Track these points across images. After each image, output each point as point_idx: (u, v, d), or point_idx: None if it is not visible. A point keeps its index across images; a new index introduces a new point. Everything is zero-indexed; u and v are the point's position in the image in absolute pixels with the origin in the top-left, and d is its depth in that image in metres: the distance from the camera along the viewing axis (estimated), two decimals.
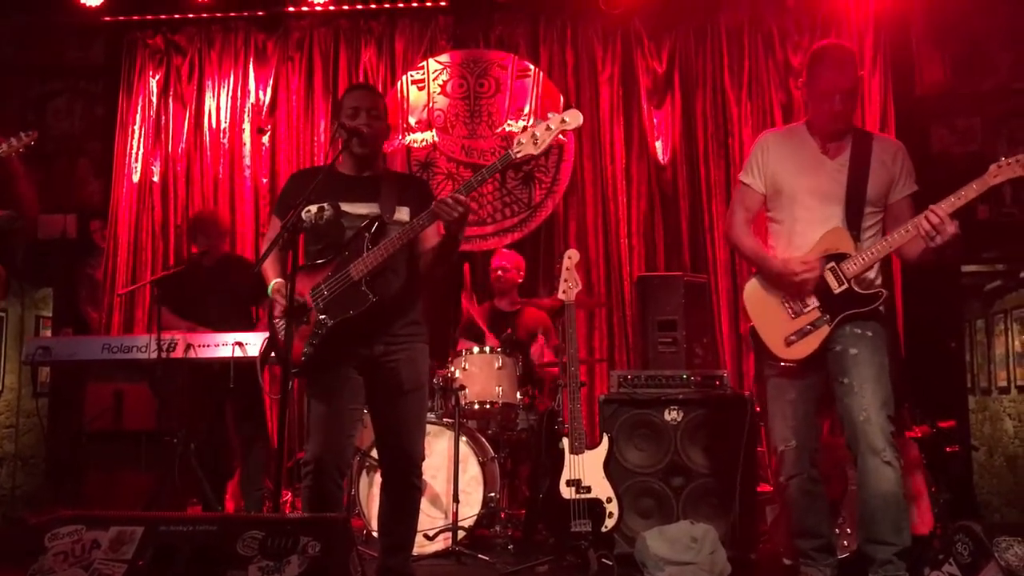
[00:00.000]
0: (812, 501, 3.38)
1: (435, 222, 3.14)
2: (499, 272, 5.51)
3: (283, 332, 3.06)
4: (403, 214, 3.25)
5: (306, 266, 3.26)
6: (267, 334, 3.27)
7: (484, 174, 3.12)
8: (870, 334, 3.26)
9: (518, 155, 3.06)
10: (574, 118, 3.06)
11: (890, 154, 3.38)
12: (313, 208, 3.23)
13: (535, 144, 3.04)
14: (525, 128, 3.07)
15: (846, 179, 3.32)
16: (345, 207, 3.26)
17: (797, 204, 3.36)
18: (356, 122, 3.25)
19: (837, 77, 3.30)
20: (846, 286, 3.24)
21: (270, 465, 5.10)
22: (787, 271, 3.28)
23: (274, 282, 3.24)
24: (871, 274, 3.31)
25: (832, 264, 3.26)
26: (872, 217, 3.34)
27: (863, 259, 3.23)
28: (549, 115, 3.09)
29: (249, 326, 5.01)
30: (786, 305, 3.33)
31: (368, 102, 3.31)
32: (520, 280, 5.60)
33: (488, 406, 4.74)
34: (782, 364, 3.33)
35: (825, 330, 3.25)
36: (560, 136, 3.12)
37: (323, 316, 3.16)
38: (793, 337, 3.29)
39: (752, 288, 3.45)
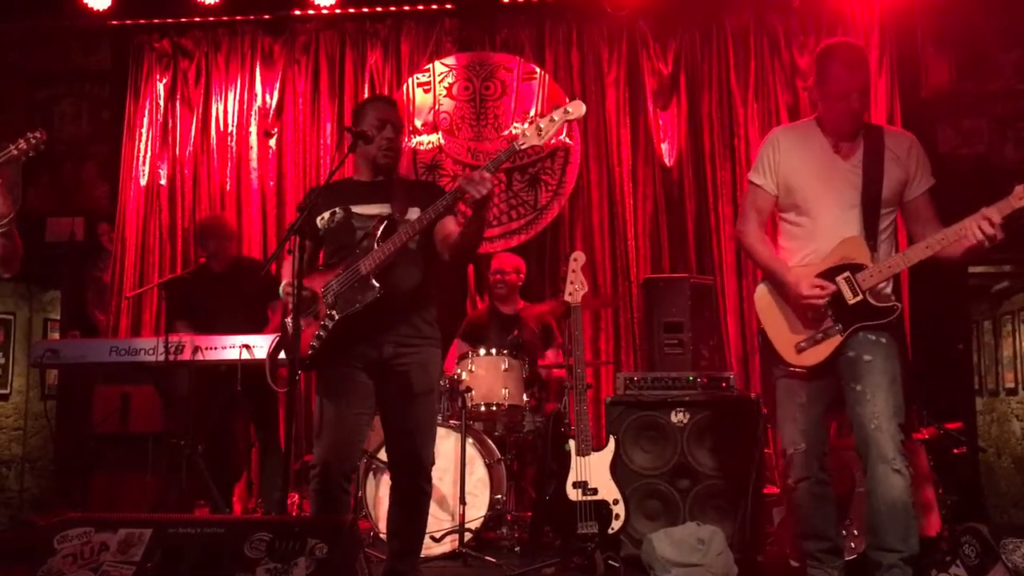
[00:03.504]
0: (820, 504, 3.36)
1: (448, 216, 3.19)
2: (497, 275, 5.50)
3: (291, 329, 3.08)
4: (414, 215, 3.27)
5: (320, 267, 3.32)
6: (277, 335, 3.30)
7: (490, 167, 3.14)
8: (884, 341, 3.21)
9: (522, 146, 3.09)
10: (577, 109, 3.10)
11: (904, 150, 3.31)
12: (326, 214, 3.31)
13: (539, 135, 3.08)
14: (531, 122, 3.10)
15: (861, 181, 3.26)
16: (356, 209, 3.30)
17: (811, 207, 3.31)
18: (383, 134, 3.33)
19: (851, 76, 3.24)
20: (861, 297, 3.19)
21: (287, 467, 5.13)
22: (796, 292, 3.24)
23: (284, 283, 3.28)
24: (885, 286, 3.27)
25: (847, 274, 3.20)
26: (887, 218, 3.30)
27: (879, 271, 3.18)
28: (553, 108, 3.14)
29: (260, 328, 5.02)
30: (798, 312, 3.31)
31: (395, 116, 3.42)
32: (520, 282, 5.57)
33: (494, 408, 4.74)
34: (791, 369, 3.31)
35: (836, 340, 3.21)
36: (566, 139, 3.12)
37: (332, 310, 3.20)
38: (803, 344, 3.26)
39: (763, 292, 3.41)
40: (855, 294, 3.19)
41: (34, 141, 3.51)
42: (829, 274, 3.23)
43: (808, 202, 3.32)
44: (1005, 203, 3.04)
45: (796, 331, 3.29)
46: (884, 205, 3.27)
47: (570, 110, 3.09)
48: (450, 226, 3.28)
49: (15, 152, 3.51)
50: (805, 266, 3.30)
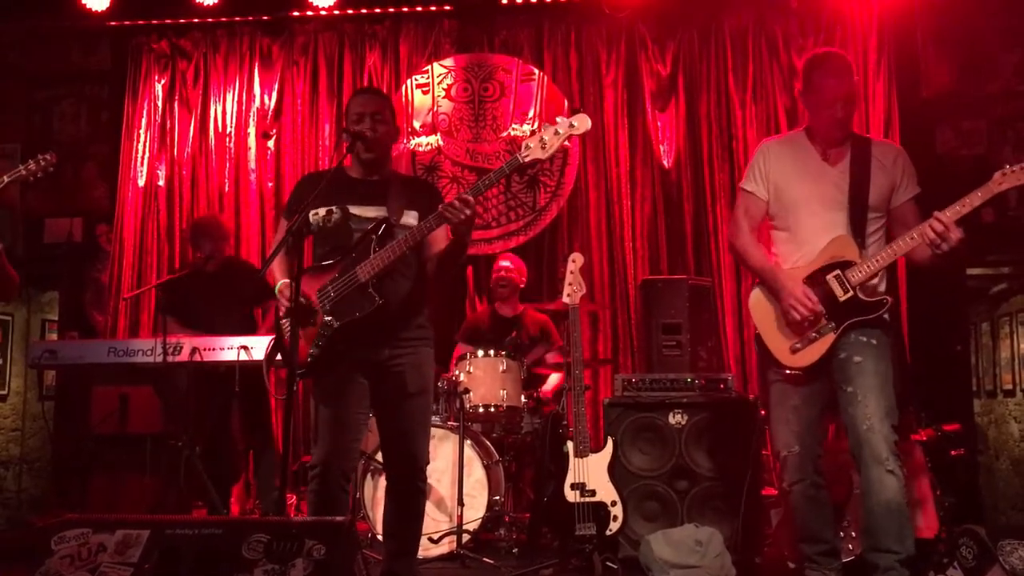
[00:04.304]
0: (816, 506, 3.38)
1: (442, 225, 3.14)
2: (501, 275, 5.51)
3: (289, 334, 3.06)
4: (411, 218, 3.25)
5: (312, 268, 3.29)
6: (273, 337, 3.28)
7: (492, 178, 3.12)
8: (875, 342, 3.26)
9: (526, 159, 3.06)
10: (582, 123, 3.05)
11: (890, 158, 3.39)
12: (321, 211, 3.25)
13: (543, 148, 3.04)
14: (533, 132, 3.05)
15: (848, 185, 3.32)
16: (353, 210, 3.27)
17: (800, 211, 3.37)
18: (360, 127, 3.27)
19: (838, 84, 3.32)
20: (851, 294, 3.24)
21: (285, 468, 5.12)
22: (784, 299, 3.27)
23: (280, 283, 3.26)
24: (876, 281, 3.30)
25: (837, 272, 3.25)
26: (875, 222, 3.35)
27: (868, 267, 3.23)
28: (557, 119, 3.08)
29: (252, 330, 5.03)
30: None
31: (373, 106, 3.33)
32: (522, 284, 5.60)
33: (493, 409, 4.74)
34: (787, 371, 3.33)
35: (830, 338, 3.25)
36: (565, 142, 3.09)
37: (329, 318, 3.17)
38: (798, 345, 3.29)
39: (757, 296, 3.45)
40: (845, 291, 3.25)
41: (44, 163, 3.57)
42: (819, 273, 3.29)
43: (797, 205, 3.38)
44: (986, 188, 3.12)
45: (790, 333, 3.32)
46: (871, 210, 3.33)
47: (575, 124, 3.03)
48: (439, 240, 3.26)
49: (24, 172, 3.55)
50: (796, 268, 3.34)
